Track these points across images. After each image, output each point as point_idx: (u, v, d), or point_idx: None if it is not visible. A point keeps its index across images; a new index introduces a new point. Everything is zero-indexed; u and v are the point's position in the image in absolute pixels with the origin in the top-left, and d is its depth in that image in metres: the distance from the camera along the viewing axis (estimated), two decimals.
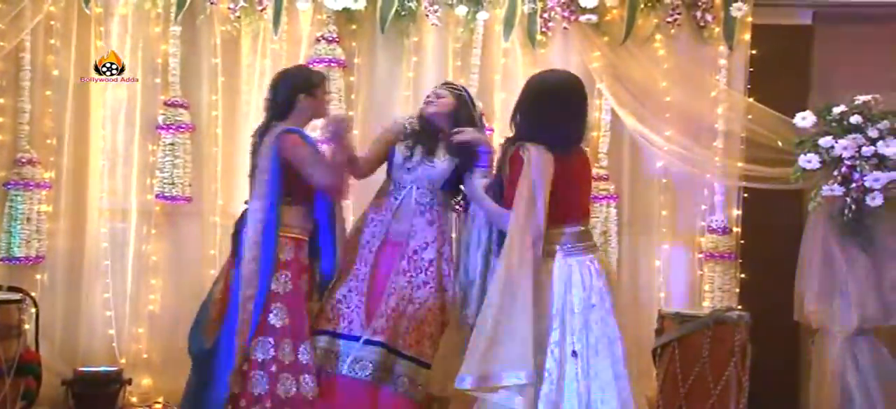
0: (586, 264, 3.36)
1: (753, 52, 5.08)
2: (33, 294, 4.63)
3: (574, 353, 3.24)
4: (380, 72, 5.06)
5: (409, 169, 3.96)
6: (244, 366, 3.67)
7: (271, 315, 3.71)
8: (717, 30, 5.06)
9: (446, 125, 3.95)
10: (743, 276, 5.04)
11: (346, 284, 3.91)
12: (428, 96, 4.07)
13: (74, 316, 4.85)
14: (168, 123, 4.94)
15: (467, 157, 3.86)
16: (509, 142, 3.45)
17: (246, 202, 3.87)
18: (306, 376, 3.72)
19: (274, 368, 3.69)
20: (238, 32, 5.01)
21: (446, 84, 4.14)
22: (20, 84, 4.84)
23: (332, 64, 4.94)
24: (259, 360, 3.69)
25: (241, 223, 3.81)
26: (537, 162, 3.29)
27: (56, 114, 4.92)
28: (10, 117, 4.85)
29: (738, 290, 4.99)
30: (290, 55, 5.04)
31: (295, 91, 3.83)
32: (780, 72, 5.08)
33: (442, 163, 3.95)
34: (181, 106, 4.98)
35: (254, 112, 4.98)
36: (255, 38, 5.03)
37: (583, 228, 3.44)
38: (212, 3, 4.93)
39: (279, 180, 3.73)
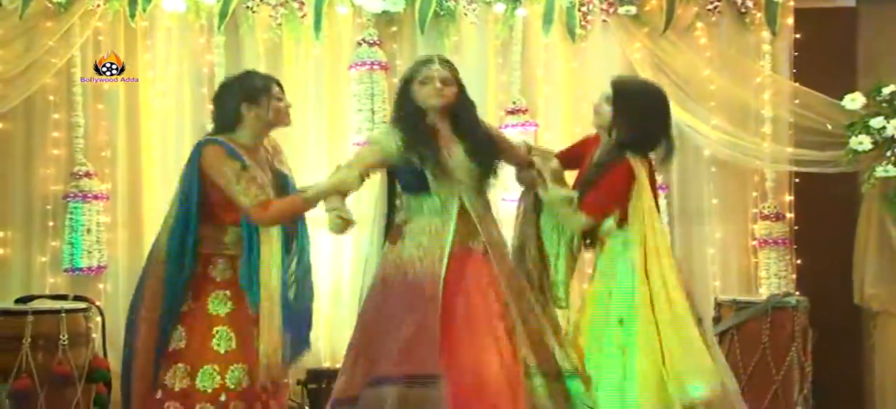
0: None
1: (797, 36, 5.05)
2: (98, 303, 4.66)
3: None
4: None
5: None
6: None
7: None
8: (758, 16, 5.05)
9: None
10: (799, 261, 5.00)
11: None
12: (428, 78, 3.47)
13: None
14: None
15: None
16: (617, 148, 3.51)
17: None
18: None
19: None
20: (280, 40, 5.02)
21: (440, 60, 3.56)
22: (72, 99, 4.89)
23: (375, 66, 4.96)
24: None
25: None
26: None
27: (109, 126, 4.97)
28: (64, 132, 4.90)
29: (794, 275, 4.95)
30: (332, 60, 5.06)
31: (238, 102, 3.51)
32: (825, 55, 5.05)
33: None
34: None
35: (299, 118, 5.00)
36: (297, 44, 5.04)
37: None
38: (253, 12, 4.96)
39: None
